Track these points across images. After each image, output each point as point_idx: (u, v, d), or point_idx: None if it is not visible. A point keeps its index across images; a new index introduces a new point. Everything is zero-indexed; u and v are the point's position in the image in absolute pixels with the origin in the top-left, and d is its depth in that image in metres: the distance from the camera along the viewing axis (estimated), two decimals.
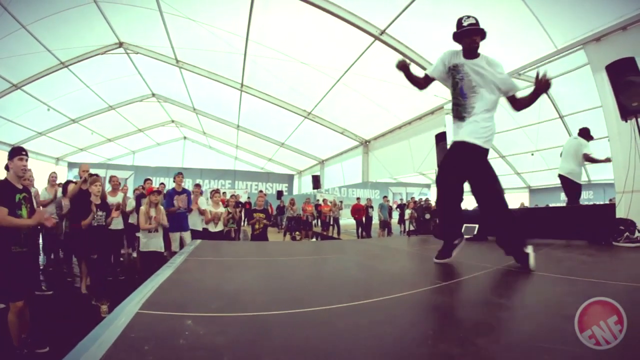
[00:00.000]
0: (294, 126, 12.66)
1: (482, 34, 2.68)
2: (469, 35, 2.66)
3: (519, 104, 2.73)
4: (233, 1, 7.17)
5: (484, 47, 2.72)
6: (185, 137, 20.05)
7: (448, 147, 2.86)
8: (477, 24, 2.66)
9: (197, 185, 7.16)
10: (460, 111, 2.74)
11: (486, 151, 2.70)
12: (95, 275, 4.91)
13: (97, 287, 4.68)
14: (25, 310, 2.99)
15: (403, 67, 2.92)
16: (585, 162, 5.75)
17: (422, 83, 3.04)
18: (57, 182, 6.74)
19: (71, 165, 16.65)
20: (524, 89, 3.06)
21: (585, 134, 5.75)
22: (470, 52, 2.71)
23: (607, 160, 5.43)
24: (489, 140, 2.68)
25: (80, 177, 5.15)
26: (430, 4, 5.82)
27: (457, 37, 2.73)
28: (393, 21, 6.42)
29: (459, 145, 2.72)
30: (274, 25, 7.73)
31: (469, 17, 2.70)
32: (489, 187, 2.71)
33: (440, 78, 2.92)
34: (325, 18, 6.75)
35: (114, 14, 8.40)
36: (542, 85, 2.58)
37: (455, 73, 2.74)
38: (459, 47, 2.78)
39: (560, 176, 5.82)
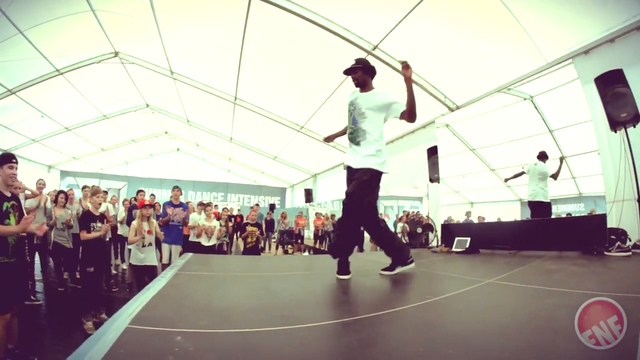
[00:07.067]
0: (287, 140, 12.69)
1: (356, 71, 3.00)
2: (349, 75, 3.07)
3: (407, 114, 2.85)
4: (228, 15, 7.22)
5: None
6: (178, 149, 20.00)
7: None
8: (353, 66, 3.01)
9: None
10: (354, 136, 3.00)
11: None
12: (88, 289, 4.77)
13: (87, 302, 4.55)
14: (13, 321, 2.92)
15: (329, 139, 3.67)
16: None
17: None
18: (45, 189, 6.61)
19: (64, 174, 16.49)
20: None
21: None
22: (360, 86, 3.06)
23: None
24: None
25: None
26: (422, 20, 5.92)
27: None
28: (386, 36, 6.52)
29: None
30: (267, 39, 7.79)
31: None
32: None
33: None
34: (319, 33, 6.82)
35: (110, 24, 8.40)
36: (405, 71, 2.76)
37: (350, 107, 3.03)
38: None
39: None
